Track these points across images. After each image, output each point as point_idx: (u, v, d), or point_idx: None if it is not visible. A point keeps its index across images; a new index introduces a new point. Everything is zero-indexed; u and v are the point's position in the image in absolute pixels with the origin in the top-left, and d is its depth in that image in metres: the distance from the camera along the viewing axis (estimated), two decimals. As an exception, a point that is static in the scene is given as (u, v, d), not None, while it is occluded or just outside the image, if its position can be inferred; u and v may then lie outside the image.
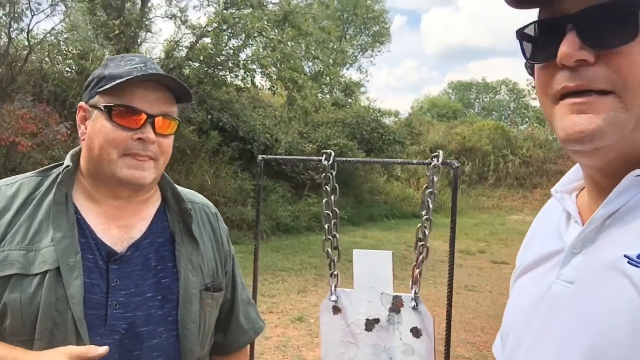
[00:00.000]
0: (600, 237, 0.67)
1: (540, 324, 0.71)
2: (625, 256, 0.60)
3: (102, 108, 1.16)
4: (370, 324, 1.53)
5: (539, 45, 0.71)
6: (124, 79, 1.13)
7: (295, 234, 10.66)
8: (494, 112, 36.48)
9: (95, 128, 1.17)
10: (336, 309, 1.57)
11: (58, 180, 1.18)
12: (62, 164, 1.22)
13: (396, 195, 15.01)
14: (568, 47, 0.64)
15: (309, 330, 5.29)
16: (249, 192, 10.81)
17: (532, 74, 0.76)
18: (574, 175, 0.81)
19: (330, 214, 1.58)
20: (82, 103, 1.22)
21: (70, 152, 1.25)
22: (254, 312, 1.46)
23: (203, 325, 1.24)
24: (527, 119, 30.14)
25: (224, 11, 10.96)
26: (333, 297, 1.56)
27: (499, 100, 39.08)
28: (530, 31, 0.72)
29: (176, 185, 1.32)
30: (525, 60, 0.76)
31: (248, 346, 1.48)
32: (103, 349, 1.04)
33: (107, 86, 1.15)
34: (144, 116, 1.15)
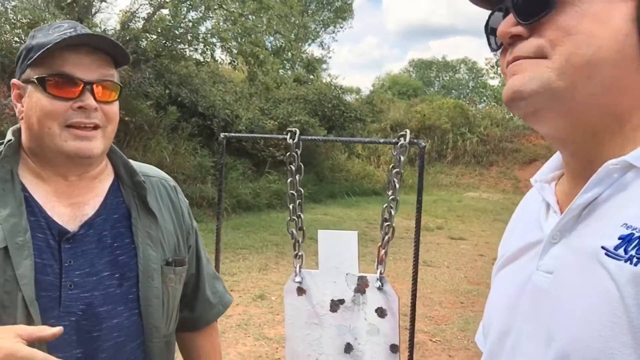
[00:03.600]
0: (579, 227, 0.66)
1: (523, 316, 0.71)
2: (602, 247, 0.60)
3: (35, 81, 1.08)
4: (335, 305, 1.53)
5: (494, 34, 0.75)
6: (51, 44, 1.05)
7: (256, 212, 10.60)
8: (453, 91, 36.98)
9: (32, 103, 1.09)
10: (300, 290, 1.55)
11: (1, 156, 1.10)
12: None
13: (357, 172, 15.11)
14: (503, 26, 0.69)
15: (270, 308, 5.29)
16: (209, 169, 10.65)
17: None
18: (553, 164, 0.81)
19: (295, 194, 1.56)
20: (14, 80, 1.14)
21: (12, 128, 1.17)
22: (221, 286, 1.44)
23: (167, 301, 1.21)
24: (485, 98, 30.69)
25: (183, -18, 10.61)
26: (297, 278, 1.55)
27: (459, 79, 39.63)
28: (491, 23, 0.76)
29: (129, 159, 1.27)
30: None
31: (217, 320, 1.45)
32: (56, 329, 0.98)
33: (36, 55, 1.07)
34: (80, 83, 1.08)
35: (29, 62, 1.09)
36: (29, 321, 1.03)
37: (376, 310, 1.50)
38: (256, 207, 10.77)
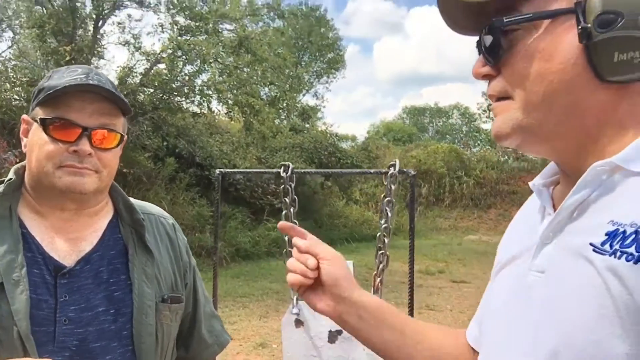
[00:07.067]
0: (569, 227, 0.68)
1: (514, 315, 0.73)
2: (590, 244, 0.62)
3: (39, 121, 1.14)
4: (333, 336, 1.52)
5: None
6: (54, 90, 1.10)
7: (255, 260, 10.52)
8: (447, 136, 37.36)
9: (33, 141, 1.15)
10: (298, 323, 1.55)
11: (0, 194, 1.14)
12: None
13: (355, 218, 15.07)
14: (475, 66, 0.76)
15: (271, 356, 5.19)
16: (207, 218, 10.64)
17: None
18: (551, 169, 0.83)
19: (290, 226, 1.57)
20: (24, 116, 1.20)
21: (15, 167, 1.21)
22: (219, 325, 1.42)
23: (161, 338, 1.20)
24: (479, 142, 31.02)
25: (179, 37, 10.93)
26: (295, 310, 1.54)
27: (452, 124, 40.13)
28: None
29: (129, 197, 1.29)
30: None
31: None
32: None
33: (43, 98, 1.12)
34: (78, 129, 1.12)
35: (38, 101, 1.15)
36: (25, 356, 1.03)
37: (374, 340, 1.50)
38: (255, 256, 10.70)
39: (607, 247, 0.60)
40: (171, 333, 1.25)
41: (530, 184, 0.83)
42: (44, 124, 1.12)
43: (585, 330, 0.59)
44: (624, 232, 0.60)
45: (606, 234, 0.61)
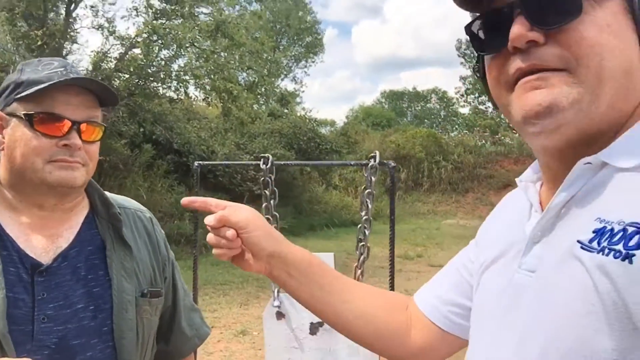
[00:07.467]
0: (558, 225, 0.68)
1: (503, 314, 0.72)
2: (578, 241, 0.62)
3: (22, 116, 1.10)
4: (315, 328, 1.53)
5: (488, 37, 0.72)
6: (45, 85, 1.07)
7: (235, 247, 10.50)
8: (425, 120, 37.59)
9: (16, 137, 1.11)
10: (280, 315, 1.55)
11: None
12: None
13: (335, 204, 15.14)
14: (519, 29, 0.65)
15: (252, 344, 5.21)
16: (186, 205, 10.57)
17: (481, 76, 0.76)
18: (539, 165, 0.81)
19: (271, 219, 1.57)
20: None
21: None
22: (198, 317, 1.42)
23: (142, 333, 1.19)
24: (457, 126, 31.30)
25: (154, 21, 10.72)
26: (276, 303, 1.54)
27: (430, 109, 40.35)
28: (478, 25, 0.73)
29: (105, 192, 1.27)
30: (475, 62, 0.78)
31: (192, 354, 1.43)
32: None
33: (26, 92, 1.09)
34: (68, 123, 1.10)
35: (17, 96, 1.11)
36: (3, 356, 1.01)
37: (355, 331, 1.51)
38: (235, 243, 10.67)
39: (594, 244, 0.60)
40: (151, 327, 1.24)
41: (517, 180, 0.81)
42: (30, 118, 1.09)
43: (573, 327, 0.60)
44: (612, 229, 0.59)
45: (593, 232, 0.61)
